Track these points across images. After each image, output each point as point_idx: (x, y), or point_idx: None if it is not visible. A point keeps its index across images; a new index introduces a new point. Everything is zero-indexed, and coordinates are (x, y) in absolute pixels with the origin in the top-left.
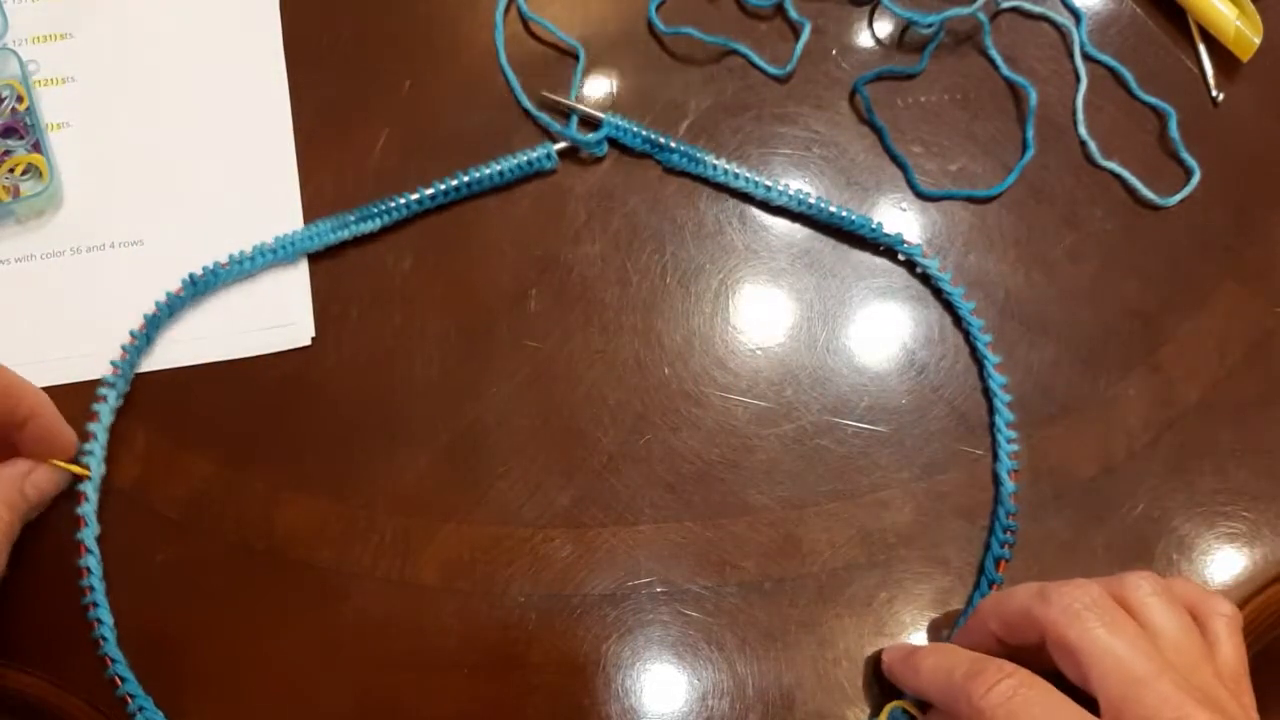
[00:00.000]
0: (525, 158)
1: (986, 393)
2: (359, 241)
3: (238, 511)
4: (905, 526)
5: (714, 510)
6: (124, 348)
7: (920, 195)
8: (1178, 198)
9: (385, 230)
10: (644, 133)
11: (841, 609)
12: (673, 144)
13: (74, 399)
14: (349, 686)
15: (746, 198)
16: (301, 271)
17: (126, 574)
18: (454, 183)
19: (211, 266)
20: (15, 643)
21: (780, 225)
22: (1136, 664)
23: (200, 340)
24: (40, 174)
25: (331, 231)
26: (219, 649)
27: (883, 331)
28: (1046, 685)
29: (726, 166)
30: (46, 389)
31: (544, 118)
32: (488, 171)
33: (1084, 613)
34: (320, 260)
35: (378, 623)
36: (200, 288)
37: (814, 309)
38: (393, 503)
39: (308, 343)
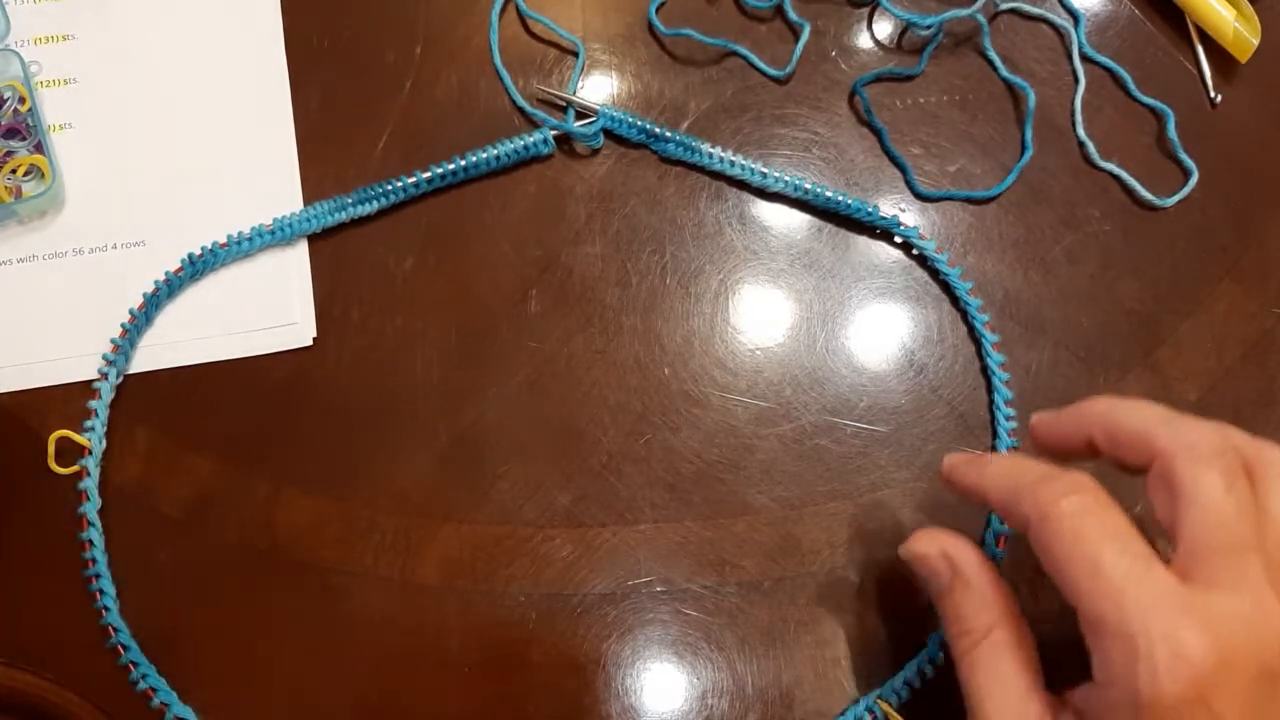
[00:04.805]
0: (522, 142)
1: (985, 371)
2: (360, 242)
3: (239, 511)
4: (904, 526)
5: (714, 510)
6: (124, 326)
7: (919, 196)
8: (1176, 198)
9: (386, 222)
10: (639, 123)
11: (841, 608)
12: (668, 134)
13: (76, 399)
14: (349, 685)
15: (743, 186)
16: (303, 265)
17: (129, 573)
18: (451, 166)
19: (210, 246)
20: (16, 641)
21: (780, 225)
22: (1236, 529)
23: (202, 340)
24: (42, 175)
25: (329, 214)
26: (220, 648)
27: (882, 332)
28: (1121, 513)
29: (722, 155)
30: (47, 389)
31: (540, 114)
32: (484, 156)
33: (1208, 456)
34: (322, 261)
35: (378, 622)
36: (199, 267)
37: (813, 309)
38: (394, 502)
39: (309, 343)
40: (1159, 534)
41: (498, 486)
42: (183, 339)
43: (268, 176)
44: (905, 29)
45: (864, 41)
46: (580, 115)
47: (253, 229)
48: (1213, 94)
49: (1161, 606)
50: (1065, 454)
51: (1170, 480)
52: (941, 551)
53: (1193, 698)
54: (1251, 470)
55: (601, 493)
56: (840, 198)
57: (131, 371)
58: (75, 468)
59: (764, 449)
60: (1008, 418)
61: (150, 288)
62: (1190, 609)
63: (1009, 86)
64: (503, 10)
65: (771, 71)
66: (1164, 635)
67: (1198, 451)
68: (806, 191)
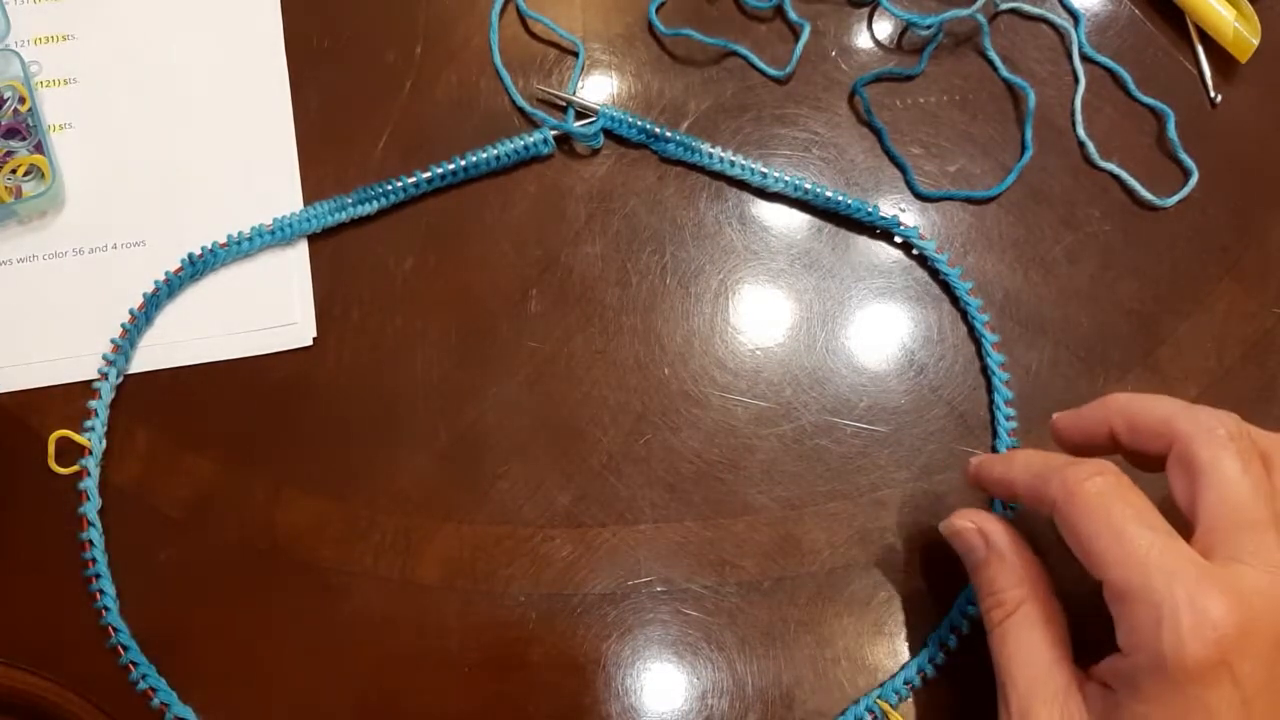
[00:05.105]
0: (522, 142)
1: (985, 371)
2: (360, 242)
3: (239, 511)
4: (904, 526)
5: (714, 510)
6: (124, 326)
7: (919, 196)
8: (1176, 198)
9: (386, 222)
10: (639, 123)
11: (841, 608)
12: (668, 134)
13: (76, 399)
14: (349, 685)
15: (743, 186)
16: (303, 265)
17: (129, 573)
18: (451, 166)
19: (210, 246)
20: (16, 640)
21: (779, 225)
22: (1253, 507)
23: (202, 340)
24: (43, 175)
25: (330, 214)
26: (220, 648)
27: (882, 332)
28: (1142, 494)
29: (722, 155)
30: (47, 389)
31: (540, 114)
32: (485, 155)
33: (1225, 440)
34: (322, 261)
35: (378, 622)
36: (199, 267)
37: (813, 309)
38: (394, 502)
39: (309, 343)
40: (1180, 524)
41: (498, 486)
42: (183, 339)
43: (268, 176)
44: (905, 29)
45: (864, 41)
46: (580, 115)
47: (253, 229)
48: (1213, 94)
49: (1185, 574)
50: (1086, 448)
51: (1190, 462)
52: (978, 527)
53: (1216, 660)
54: (1267, 456)
55: (601, 493)
56: (840, 198)
57: (131, 371)
58: (75, 468)
59: (764, 449)
60: (1008, 418)
61: (150, 288)
62: (1213, 578)
63: (1009, 86)
64: (503, 10)
65: (771, 71)
66: (1188, 600)
67: (1216, 435)
68: (806, 191)
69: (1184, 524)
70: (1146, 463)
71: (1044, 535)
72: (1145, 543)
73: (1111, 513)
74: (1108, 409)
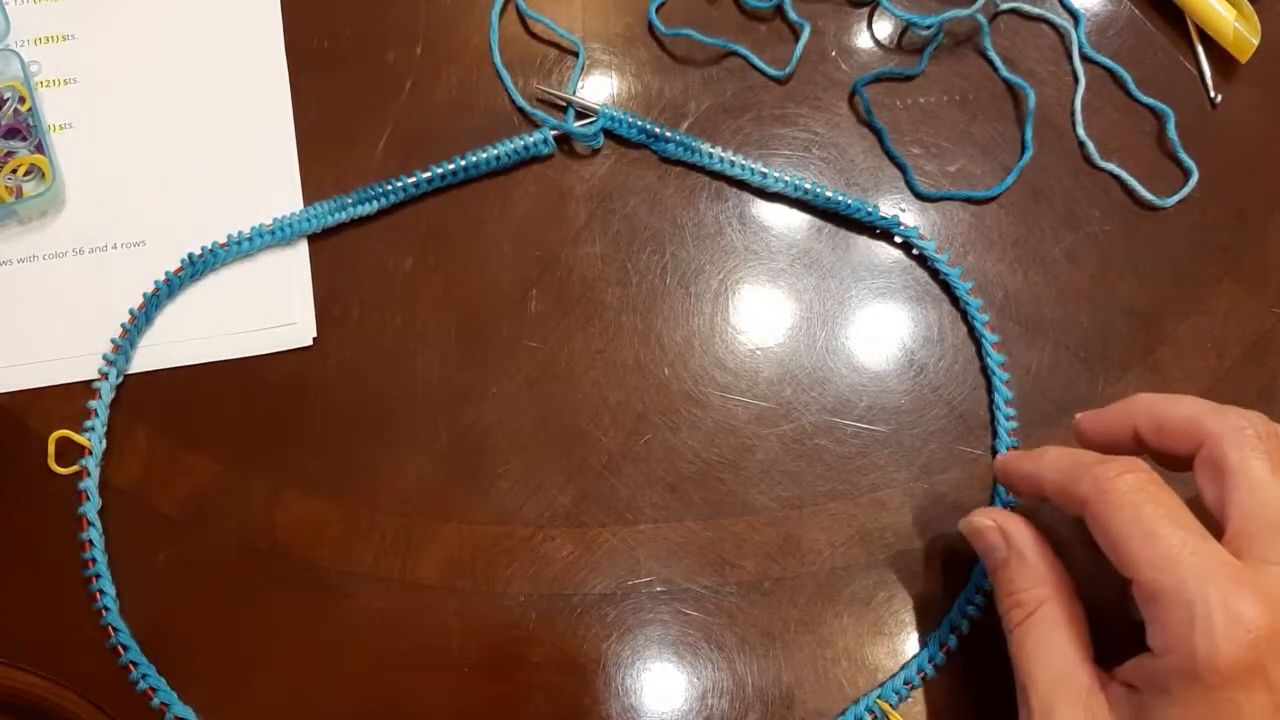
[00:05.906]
0: (522, 142)
1: (985, 371)
2: (360, 242)
3: (239, 511)
4: (904, 526)
5: (714, 510)
6: (124, 326)
7: (919, 196)
8: (1176, 198)
9: (386, 222)
10: (639, 123)
11: (841, 608)
12: (668, 134)
13: (76, 399)
14: (349, 685)
15: (743, 186)
16: (303, 265)
17: (128, 573)
18: (451, 166)
19: (210, 246)
20: (16, 640)
21: (780, 225)
22: None
23: (202, 340)
24: (43, 175)
25: (330, 214)
26: (220, 648)
27: (882, 332)
28: (1174, 495)
29: (722, 155)
30: (47, 389)
31: (540, 114)
32: (485, 155)
33: (1254, 440)
34: (322, 261)
35: (378, 622)
36: (199, 267)
37: (813, 309)
38: (394, 502)
39: (309, 343)
40: (1209, 524)
41: (498, 486)
42: (183, 339)
43: (268, 176)
44: (905, 29)
45: (864, 41)
46: (580, 115)
47: (253, 229)
48: (1213, 94)
49: (1218, 575)
50: (1110, 449)
51: (1219, 462)
52: (998, 526)
53: (1250, 662)
54: None
55: (601, 493)
56: (840, 198)
57: (131, 371)
58: (75, 468)
59: (764, 449)
60: (1008, 418)
61: (150, 288)
62: (1245, 580)
63: (1009, 86)
64: (503, 10)
65: (771, 71)
66: (1222, 602)
67: (1245, 435)
68: (806, 191)
69: (1213, 524)
70: (1171, 462)
71: (1064, 534)
72: (1178, 543)
73: (1143, 512)
74: (1133, 409)
